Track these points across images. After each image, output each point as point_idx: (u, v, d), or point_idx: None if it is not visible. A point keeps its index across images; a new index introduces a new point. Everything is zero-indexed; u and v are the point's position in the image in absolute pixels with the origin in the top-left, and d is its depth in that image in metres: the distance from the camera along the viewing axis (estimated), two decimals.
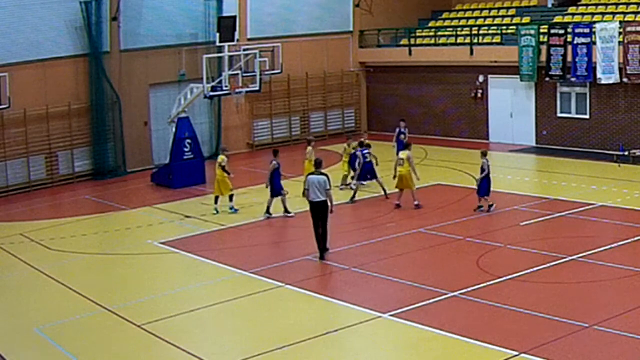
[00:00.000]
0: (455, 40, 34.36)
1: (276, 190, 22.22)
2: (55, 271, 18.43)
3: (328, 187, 17.99)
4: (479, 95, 33.26)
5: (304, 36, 35.51)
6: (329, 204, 18.05)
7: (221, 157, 23.27)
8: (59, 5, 28.82)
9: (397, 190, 22.60)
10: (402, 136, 27.81)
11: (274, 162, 22.25)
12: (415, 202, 22.32)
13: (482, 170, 21.38)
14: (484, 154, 21.65)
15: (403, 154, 22.53)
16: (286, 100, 35.45)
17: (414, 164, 22.51)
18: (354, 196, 23.73)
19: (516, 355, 12.26)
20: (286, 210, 22.27)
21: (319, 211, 17.96)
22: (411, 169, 22.30)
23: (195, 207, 24.46)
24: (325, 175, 18.24)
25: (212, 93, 27.82)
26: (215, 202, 23.31)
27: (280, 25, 34.71)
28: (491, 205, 21.44)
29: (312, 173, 18.43)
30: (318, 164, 18.70)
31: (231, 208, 23.18)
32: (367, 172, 23.96)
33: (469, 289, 15.42)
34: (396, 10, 37.58)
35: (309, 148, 24.18)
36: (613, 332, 12.94)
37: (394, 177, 22.59)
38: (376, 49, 37.17)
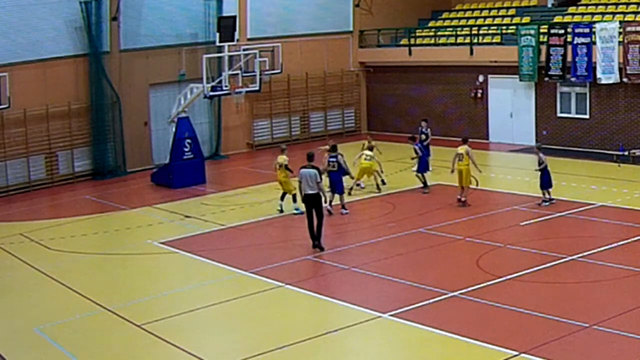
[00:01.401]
0: (455, 40, 34.36)
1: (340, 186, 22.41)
2: (55, 271, 18.43)
3: (319, 180, 18.61)
4: (479, 95, 33.26)
5: (304, 36, 35.50)
6: (322, 196, 18.82)
7: (282, 157, 22.59)
8: (59, 5, 28.83)
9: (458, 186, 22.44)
10: (422, 136, 27.15)
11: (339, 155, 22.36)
12: (464, 199, 22.10)
13: (540, 164, 21.51)
14: (539, 148, 21.84)
15: (462, 149, 22.28)
16: (286, 100, 35.45)
17: (474, 159, 22.35)
18: (425, 184, 24.11)
19: (516, 355, 12.26)
20: (343, 207, 22.24)
21: (312, 203, 18.62)
22: (472, 164, 22.18)
23: (195, 207, 24.46)
24: (316, 168, 18.89)
25: (212, 93, 27.82)
26: (282, 199, 22.68)
27: (280, 25, 34.72)
28: (552, 199, 21.55)
29: (304, 167, 18.94)
30: (310, 157, 19.37)
31: (296, 209, 22.23)
32: (426, 164, 24.42)
33: (469, 289, 15.41)
34: (396, 10, 37.58)
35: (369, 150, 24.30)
36: (613, 332, 12.94)
37: (452, 171, 22.45)
38: (376, 49, 37.16)
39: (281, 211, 22.61)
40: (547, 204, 21.54)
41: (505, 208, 21.87)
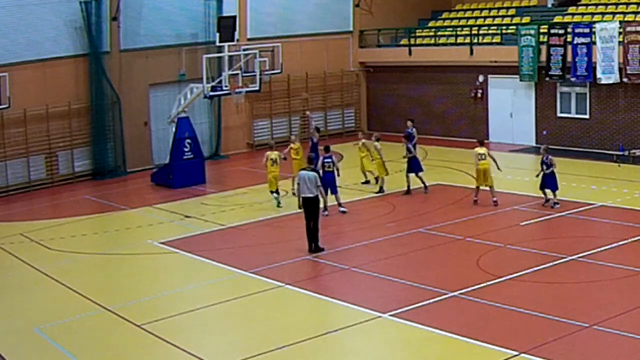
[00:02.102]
0: (455, 40, 34.36)
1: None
2: (55, 271, 18.43)
3: (319, 183, 18.49)
4: (479, 95, 33.26)
5: (304, 36, 35.51)
6: (322, 198, 18.77)
7: (275, 153, 23.35)
8: (59, 5, 28.83)
9: (475, 186, 22.35)
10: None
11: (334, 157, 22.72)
12: (495, 198, 22.06)
13: (548, 166, 21.24)
14: (546, 150, 21.57)
15: (482, 150, 22.19)
16: (286, 100, 35.45)
17: (494, 157, 22.36)
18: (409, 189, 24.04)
19: (516, 355, 12.26)
20: (340, 205, 22.41)
21: (310, 206, 18.43)
22: (494, 163, 22.16)
23: (195, 207, 24.46)
24: (317, 172, 18.91)
25: (212, 93, 27.83)
26: (277, 194, 23.39)
27: (280, 25, 34.72)
28: (553, 202, 21.30)
29: (303, 169, 18.88)
30: (310, 160, 19.37)
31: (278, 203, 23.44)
32: (416, 166, 24.11)
33: (469, 289, 15.41)
34: (396, 10, 37.59)
35: (377, 143, 24.15)
36: (613, 332, 12.94)
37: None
38: (376, 49, 37.17)
39: (279, 205, 23.11)
40: (558, 205, 21.33)
41: (505, 208, 21.85)
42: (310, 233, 18.60)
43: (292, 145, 24.84)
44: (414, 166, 24.11)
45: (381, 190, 24.38)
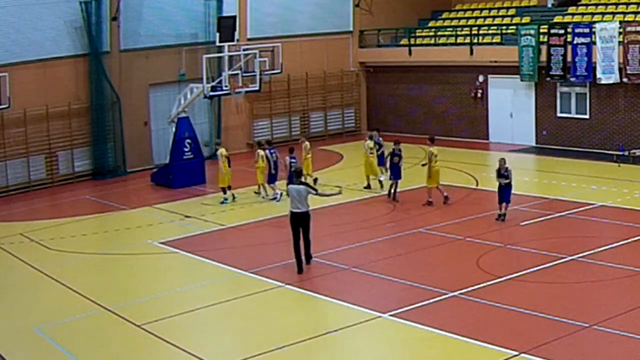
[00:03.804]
0: (455, 40, 34.36)
1: None
2: (55, 271, 18.42)
3: (313, 193, 17.45)
4: (479, 95, 33.27)
5: (304, 36, 35.51)
6: (325, 195, 18.72)
7: (224, 149, 24.85)
8: (59, 5, 28.84)
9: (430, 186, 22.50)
10: (376, 146, 25.30)
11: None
12: (445, 195, 22.53)
13: (506, 177, 20.45)
14: (504, 161, 20.78)
15: (435, 149, 22.41)
16: (286, 100, 35.46)
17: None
18: (392, 192, 23.63)
19: (516, 355, 12.26)
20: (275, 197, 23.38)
21: (300, 222, 17.21)
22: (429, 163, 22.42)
23: (195, 207, 24.47)
24: (305, 184, 17.81)
25: (212, 93, 27.85)
26: (225, 192, 24.66)
27: (280, 25, 34.72)
28: (503, 215, 20.54)
29: (291, 183, 17.96)
30: (298, 174, 18.01)
31: (226, 200, 24.60)
32: (396, 171, 23.74)
33: (469, 289, 15.41)
34: (396, 10, 37.60)
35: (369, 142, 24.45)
36: (613, 332, 12.94)
37: (424, 165, 22.70)
38: (376, 49, 37.17)
39: (234, 198, 24.59)
40: (505, 218, 20.45)
41: None
42: (299, 252, 17.26)
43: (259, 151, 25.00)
44: (393, 172, 23.70)
45: (381, 185, 24.50)
